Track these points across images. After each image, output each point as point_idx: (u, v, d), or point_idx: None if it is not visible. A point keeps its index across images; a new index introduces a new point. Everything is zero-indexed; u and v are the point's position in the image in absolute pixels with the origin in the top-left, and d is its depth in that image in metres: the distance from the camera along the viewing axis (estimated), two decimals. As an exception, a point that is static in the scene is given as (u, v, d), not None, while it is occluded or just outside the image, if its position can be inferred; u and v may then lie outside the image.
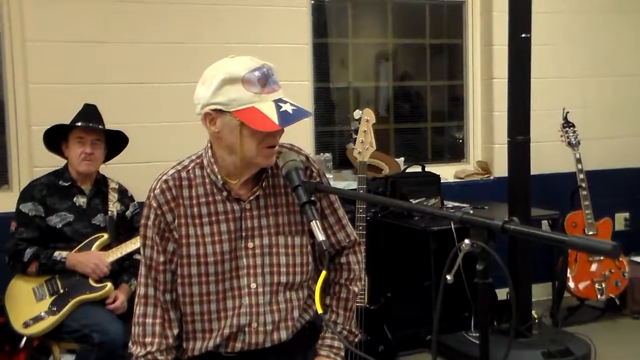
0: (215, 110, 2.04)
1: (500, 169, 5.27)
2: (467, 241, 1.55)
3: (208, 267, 2.16)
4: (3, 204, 4.12)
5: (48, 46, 4.45)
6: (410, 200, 4.67)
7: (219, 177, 2.16)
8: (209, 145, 2.19)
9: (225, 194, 2.17)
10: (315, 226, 1.92)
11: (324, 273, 1.90)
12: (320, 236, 1.90)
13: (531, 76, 4.46)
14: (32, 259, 3.56)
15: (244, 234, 2.19)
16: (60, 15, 4.47)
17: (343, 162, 5.34)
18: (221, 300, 2.19)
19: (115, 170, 3.98)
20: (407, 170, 5.07)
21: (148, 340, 2.18)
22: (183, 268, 2.17)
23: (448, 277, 1.58)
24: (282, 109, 1.98)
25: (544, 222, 5.13)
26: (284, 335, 2.24)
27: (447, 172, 5.62)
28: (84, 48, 4.52)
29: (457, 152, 5.93)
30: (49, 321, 3.49)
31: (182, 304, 2.20)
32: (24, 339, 3.68)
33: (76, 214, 3.70)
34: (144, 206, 2.22)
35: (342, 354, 2.39)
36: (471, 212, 4.63)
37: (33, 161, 4.39)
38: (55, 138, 3.74)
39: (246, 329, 2.20)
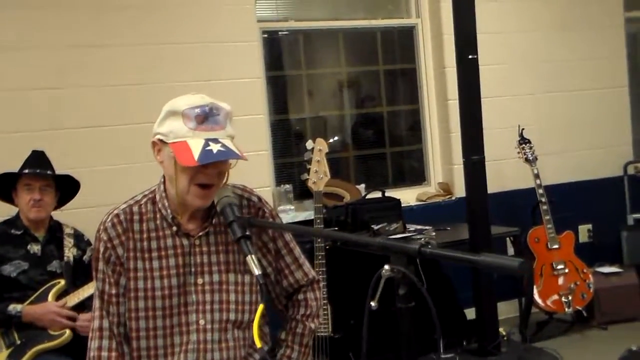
0: (159, 140, 2.08)
1: (462, 189, 5.30)
2: (386, 267, 1.56)
3: (155, 301, 2.16)
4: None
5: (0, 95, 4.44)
6: (372, 226, 4.68)
7: (168, 211, 2.17)
8: (162, 180, 2.21)
9: (174, 228, 2.18)
10: (251, 260, 1.91)
11: (261, 307, 1.90)
12: (256, 270, 1.89)
13: (482, 96, 4.52)
14: (-15, 314, 3.52)
15: (193, 269, 2.18)
16: (12, 64, 4.48)
17: (304, 193, 5.35)
18: (168, 336, 2.18)
19: (71, 215, 3.95)
20: (367, 197, 5.09)
21: None
22: (131, 302, 2.16)
23: (372, 303, 1.58)
24: (208, 147, 1.99)
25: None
26: (231, 373, 2.22)
27: (409, 196, 5.65)
28: (37, 95, 4.52)
29: (417, 176, 5.96)
30: (7, 374, 3.44)
31: (129, 339, 2.19)
32: (-18, 394, 3.63)
33: (31, 262, 3.66)
34: (95, 239, 2.22)
35: None
36: (433, 234, 4.65)
37: (-12, 211, 4.35)
38: (5, 187, 3.71)
39: None
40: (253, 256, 1.92)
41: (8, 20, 4.49)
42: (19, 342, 3.52)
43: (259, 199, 2.31)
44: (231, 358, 2.22)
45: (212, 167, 2.05)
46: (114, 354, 2.17)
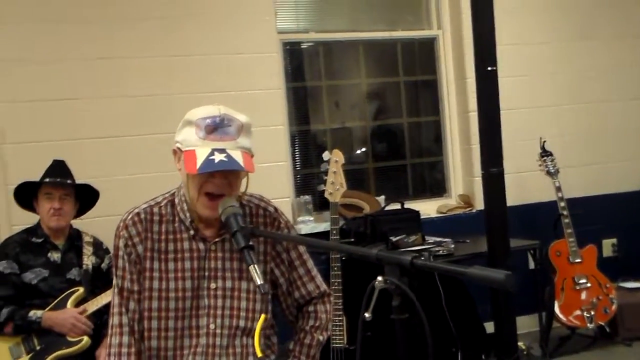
0: (178, 148, 2.13)
1: (482, 201, 5.27)
2: (380, 278, 1.57)
3: (169, 302, 2.20)
4: (-16, 264, 4.09)
5: (19, 106, 4.52)
6: (391, 237, 4.68)
7: (187, 215, 2.21)
8: (182, 184, 2.24)
9: (192, 232, 2.22)
10: (254, 270, 1.92)
11: (263, 317, 1.92)
12: (258, 280, 1.91)
13: (502, 107, 4.49)
14: (7, 320, 3.57)
15: (206, 274, 2.22)
16: (29, 76, 4.55)
17: (324, 204, 5.35)
18: (179, 338, 2.21)
19: (90, 223, 4.00)
20: (386, 208, 5.08)
21: None
22: (144, 301, 2.20)
23: (366, 314, 1.59)
24: (211, 157, 2.02)
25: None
26: (237, 379, 2.24)
27: (429, 208, 5.63)
28: (54, 105, 4.59)
29: (438, 187, 5.94)
30: (26, 380, 3.49)
31: (142, 338, 2.23)
32: (2, 399, 3.67)
33: (51, 269, 3.72)
34: (115, 237, 2.26)
35: None
36: (452, 246, 4.63)
37: (12, 220, 4.41)
38: (27, 195, 3.77)
39: None
40: (256, 266, 1.93)
41: (27, 34, 4.57)
42: (38, 347, 3.58)
43: (275, 209, 2.35)
44: None
45: (220, 177, 2.09)
46: (133, 349, 2.21)
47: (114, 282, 2.26)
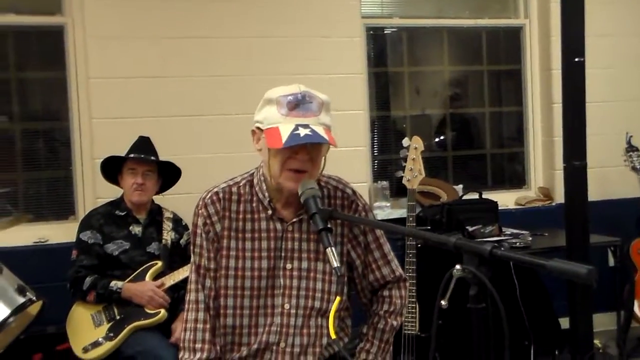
0: (257, 128, 2.16)
1: (562, 195, 5.16)
2: (458, 266, 1.56)
3: (245, 280, 2.23)
4: (69, 235, 4.24)
5: (109, 83, 4.64)
6: (467, 227, 4.64)
7: (265, 195, 2.24)
8: (261, 164, 2.27)
9: (269, 212, 2.24)
10: (331, 253, 1.93)
11: (338, 299, 1.92)
12: (335, 262, 1.91)
13: (588, 100, 4.38)
14: (90, 288, 3.70)
15: (283, 254, 2.25)
16: (120, 53, 4.66)
17: (401, 190, 5.33)
18: (254, 316, 2.25)
19: (171, 200, 4.10)
20: (464, 197, 5.04)
21: (198, 346, 2.24)
22: (221, 279, 2.25)
23: (443, 302, 1.58)
24: (296, 132, 2.03)
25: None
26: (310, 359, 2.27)
27: (507, 199, 5.55)
28: (143, 83, 4.70)
29: (517, 179, 5.85)
30: (107, 346, 3.61)
31: (217, 316, 2.27)
32: (84, 364, 3.81)
33: (132, 242, 3.83)
34: (194, 215, 2.30)
35: None
36: (529, 239, 4.56)
37: (96, 193, 4.55)
38: (112, 169, 3.89)
39: (274, 348, 2.24)
40: (333, 249, 1.94)
41: (115, 11, 4.67)
42: (118, 317, 3.70)
43: (353, 191, 2.36)
44: (311, 344, 2.27)
45: (303, 153, 2.10)
46: (208, 325, 2.26)
47: (192, 259, 2.30)
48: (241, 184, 2.29)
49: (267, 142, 2.08)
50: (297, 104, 2.09)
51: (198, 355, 2.23)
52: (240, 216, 2.26)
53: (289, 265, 2.25)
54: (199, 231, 2.27)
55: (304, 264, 2.25)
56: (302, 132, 2.03)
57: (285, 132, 2.04)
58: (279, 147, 2.03)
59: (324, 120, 2.12)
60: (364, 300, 2.47)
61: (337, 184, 2.34)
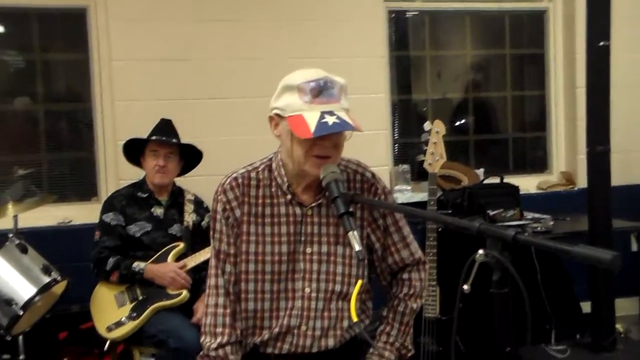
0: (276, 114, 2.15)
1: (585, 179, 5.13)
2: (481, 251, 1.55)
3: (265, 265, 2.24)
4: (93, 216, 4.26)
5: (132, 65, 4.66)
6: (488, 211, 4.63)
7: (284, 180, 2.24)
8: (279, 149, 2.28)
9: (289, 197, 2.25)
10: (353, 236, 1.93)
11: (360, 282, 1.94)
12: (357, 246, 1.92)
13: (612, 84, 4.35)
14: (113, 269, 3.73)
15: (303, 238, 2.25)
16: (143, 36, 4.68)
17: (422, 174, 5.32)
18: (275, 300, 2.26)
19: (193, 182, 4.12)
20: (485, 182, 5.02)
21: (219, 330, 2.26)
22: (242, 264, 2.26)
23: (465, 286, 1.58)
24: (323, 120, 2.02)
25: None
26: (331, 342, 2.28)
27: (529, 183, 5.53)
28: (165, 65, 4.71)
29: (539, 163, 5.83)
30: (130, 326, 3.64)
31: (239, 300, 2.29)
32: (107, 343, 3.86)
33: (154, 224, 3.86)
34: (213, 201, 2.31)
35: None
36: (551, 223, 4.54)
37: (119, 174, 4.59)
38: (135, 151, 3.92)
39: (295, 331, 2.25)
40: (355, 232, 1.94)
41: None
42: (141, 297, 3.72)
43: (373, 175, 2.35)
44: (332, 327, 2.28)
45: (328, 140, 2.09)
46: (228, 310, 2.27)
47: (212, 244, 2.31)
48: (260, 169, 2.29)
49: (294, 131, 2.05)
50: (320, 91, 2.07)
51: (219, 339, 2.25)
52: (260, 201, 2.26)
53: (308, 250, 2.26)
54: (218, 217, 2.28)
55: (324, 248, 2.26)
56: (330, 120, 2.03)
57: (311, 120, 2.03)
58: (308, 137, 2.02)
59: (345, 104, 2.11)
60: (383, 283, 2.48)
61: (356, 168, 2.34)
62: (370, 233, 2.34)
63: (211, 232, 2.32)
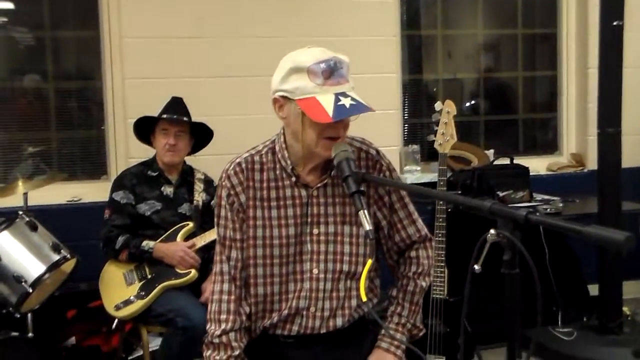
0: (282, 97, 2.13)
1: (595, 161, 5.10)
2: (492, 231, 1.55)
3: (273, 249, 2.24)
4: (102, 194, 4.28)
5: (143, 42, 4.64)
6: (498, 192, 4.62)
7: (288, 162, 2.23)
8: (282, 131, 2.27)
9: (293, 179, 2.24)
10: (363, 215, 1.94)
11: (369, 262, 1.93)
12: (367, 225, 1.92)
13: (625, 65, 4.31)
14: (122, 247, 3.74)
15: (309, 219, 2.25)
16: (154, 13, 4.66)
17: (432, 155, 5.31)
18: (284, 283, 2.27)
19: (203, 161, 4.12)
20: (495, 163, 5.00)
21: (223, 317, 2.27)
22: (249, 249, 2.26)
23: (476, 266, 1.57)
24: (339, 102, 2.02)
25: None
26: (339, 322, 2.29)
27: (539, 165, 5.51)
28: (177, 43, 4.69)
29: (550, 144, 5.80)
30: (138, 305, 3.66)
31: (248, 285, 2.29)
32: (115, 321, 3.88)
33: (163, 203, 3.86)
34: (218, 187, 2.32)
35: (404, 347, 2.39)
36: (560, 205, 4.54)
37: (129, 152, 4.60)
38: (145, 129, 3.92)
39: (304, 312, 2.26)
40: (365, 211, 1.95)
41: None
42: (149, 276, 3.74)
43: (377, 152, 2.34)
44: (341, 307, 2.29)
45: (340, 121, 2.07)
46: (233, 297, 2.28)
47: (216, 231, 2.31)
48: (263, 152, 2.29)
49: (311, 115, 2.03)
50: (332, 72, 2.06)
51: (223, 326, 2.26)
52: (265, 185, 2.26)
53: (315, 231, 2.26)
54: (223, 203, 2.27)
55: (331, 228, 2.26)
56: (346, 102, 2.02)
57: (327, 104, 2.02)
58: (327, 121, 2.01)
59: (352, 83, 2.11)
60: (390, 262, 2.48)
61: (360, 145, 2.33)
62: (377, 211, 2.34)
63: (216, 219, 2.31)
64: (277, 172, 2.26)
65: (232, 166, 2.28)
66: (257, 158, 2.28)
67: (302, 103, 2.06)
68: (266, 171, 2.26)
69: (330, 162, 2.19)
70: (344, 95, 2.05)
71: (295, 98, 2.08)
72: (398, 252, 2.44)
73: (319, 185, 2.25)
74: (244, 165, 2.26)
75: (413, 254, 2.43)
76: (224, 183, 2.27)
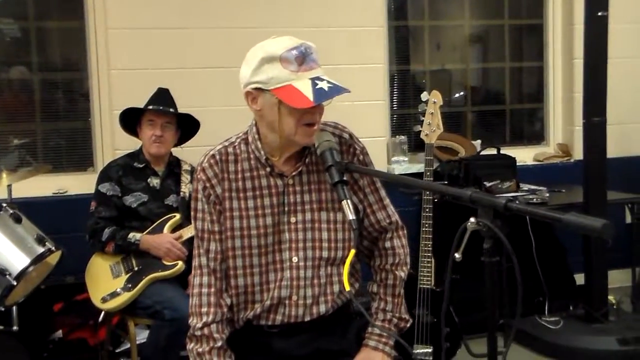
0: (255, 89, 2.12)
1: (582, 151, 5.13)
2: (472, 219, 1.55)
3: (251, 239, 2.24)
4: (88, 186, 4.24)
5: (129, 33, 4.62)
6: (485, 182, 4.64)
7: (262, 152, 2.23)
8: (253, 122, 2.26)
9: (268, 169, 2.24)
10: (346, 205, 1.94)
11: (352, 252, 1.93)
12: (350, 215, 1.92)
13: (610, 56, 4.33)
14: (109, 240, 3.73)
15: (286, 208, 2.25)
16: (140, 4, 4.63)
17: (419, 146, 5.32)
18: (264, 273, 2.27)
19: (190, 152, 4.11)
20: (482, 153, 5.02)
21: (204, 310, 2.26)
22: (227, 241, 2.25)
23: (456, 255, 1.58)
24: (317, 86, 2.02)
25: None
26: (322, 309, 2.29)
27: (526, 155, 5.54)
28: (162, 34, 4.67)
29: (536, 135, 5.82)
30: (125, 297, 3.64)
31: (228, 277, 2.28)
32: (102, 314, 3.87)
33: (150, 194, 3.85)
34: (193, 181, 2.31)
35: (392, 343, 2.40)
36: (547, 195, 4.56)
37: (115, 144, 4.58)
38: (131, 121, 3.90)
39: (286, 302, 2.26)
40: (349, 201, 1.95)
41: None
42: (136, 268, 3.73)
43: (350, 135, 2.34)
44: (323, 293, 2.29)
45: (317, 106, 2.08)
46: (212, 289, 2.26)
47: (194, 225, 2.30)
48: (236, 144, 2.28)
49: (290, 102, 2.03)
50: (304, 58, 2.06)
51: (204, 318, 2.25)
52: (240, 175, 2.25)
53: (293, 219, 2.25)
54: (199, 196, 2.26)
55: (308, 216, 2.26)
56: (323, 85, 2.03)
57: (304, 89, 2.02)
58: (309, 105, 2.01)
59: (323, 68, 2.12)
60: (363, 256, 2.47)
61: (333, 130, 2.31)
62: (352, 195, 2.30)
63: (192, 213, 2.30)
64: (252, 162, 2.25)
65: (206, 159, 2.27)
66: (230, 150, 2.27)
67: (278, 92, 2.06)
68: (240, 162, 2.26)
69: (304, 150, 2.21)
70: (319, 79, 2.05)
71: (270, 88, 2.07)
72: (368, 237, 2.43)
73: (294, 173, 2.24)
74: (218, 157, 2.25)
75: (388, 244, 2.42)
76: (199, 176, 2.26)
